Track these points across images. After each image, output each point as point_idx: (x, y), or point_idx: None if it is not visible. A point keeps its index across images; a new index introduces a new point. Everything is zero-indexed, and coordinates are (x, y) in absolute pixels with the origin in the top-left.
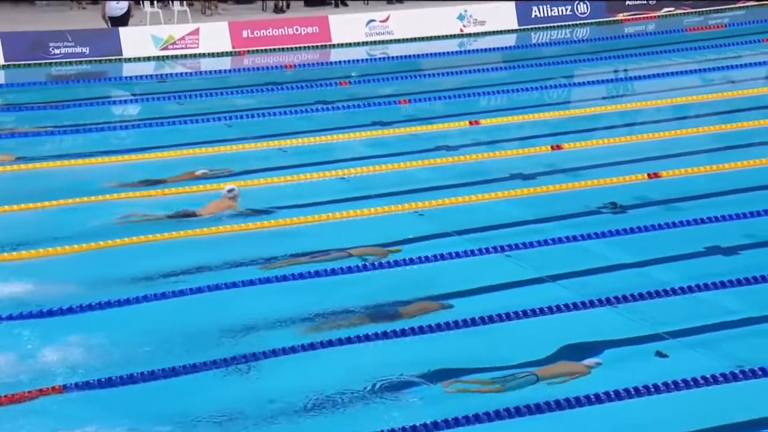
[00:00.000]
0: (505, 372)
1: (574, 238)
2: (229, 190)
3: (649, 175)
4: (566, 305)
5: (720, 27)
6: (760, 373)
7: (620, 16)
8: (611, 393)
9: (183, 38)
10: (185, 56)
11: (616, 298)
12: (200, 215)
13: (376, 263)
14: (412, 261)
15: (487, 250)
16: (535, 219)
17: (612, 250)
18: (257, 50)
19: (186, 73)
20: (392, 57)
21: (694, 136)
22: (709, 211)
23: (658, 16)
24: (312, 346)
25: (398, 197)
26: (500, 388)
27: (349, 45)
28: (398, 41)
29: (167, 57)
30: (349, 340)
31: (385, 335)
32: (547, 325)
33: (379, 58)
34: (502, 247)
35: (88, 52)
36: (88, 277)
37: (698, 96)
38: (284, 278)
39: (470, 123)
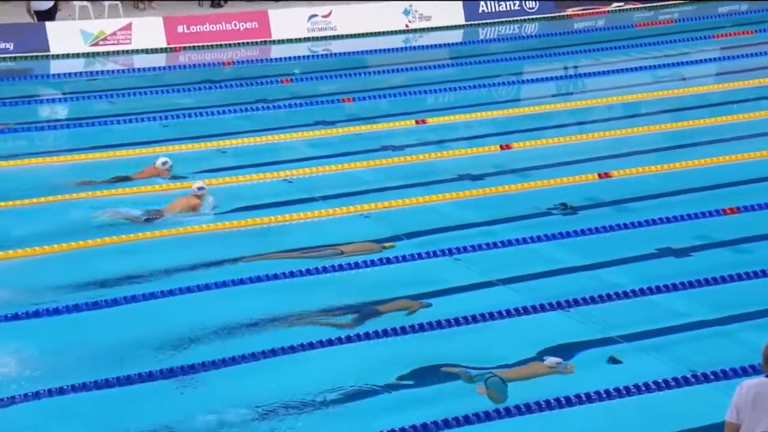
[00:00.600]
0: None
1: (524, 241)
2: (200, 188)
3: (599, 175)
4: (516, 309)
5: (670, 22)
6: (713, 377)
7: (569, 12)
8: (562, 399)
9: (114, 34)
10: (117, 53)
11: (567, 301)
12: (165, 213)
13: (320, 267)
14: (357, 265)
15: (434, 253)
16: (483, 221)
17: (563, 253)
18: (193, 46)
19: (118, 70)
20: (335, 54)
21: (645, 135)
22: (661, 211)
23: (608, 12)
24: (253, 356)
25: (343, 199)
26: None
27: (290, 41)
28: (341, 37)
29: (98, 53)
30: (292, 349)
31: (330, 342)
32: (497, 330)
33: (322, 55)
34: (450, 250)
35: (12, 48)
36: (20, 285)
37: (649, 93)
38: (233, 283)
39: (417, 122)
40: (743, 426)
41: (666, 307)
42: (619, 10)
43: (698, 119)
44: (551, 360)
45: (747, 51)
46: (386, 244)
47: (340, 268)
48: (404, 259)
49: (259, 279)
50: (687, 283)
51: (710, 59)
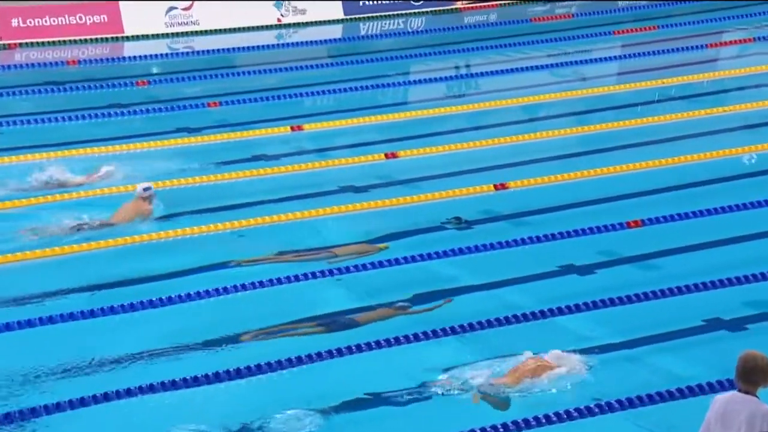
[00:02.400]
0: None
1: (413, 259)
2: (145, 189)
3: (495, 186)
4: (406, 336)
5: (567, 17)
6: (617, 406)
7: (459, 4)
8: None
9: None
10: None
11: (461, 326)
12: (112, 224)
13: (192, 293)
14: (226, 290)
15: (313, 274)
16: (368, 238)
17: (456, 271)
18: (32, 43)
19: None
20: (198, 51)
21: (545, 141)
22: (562, 225)
23: (500, 5)
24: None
25: (211, 215)
26: None
27: (146, 37)
28: (205, 33)
29: None
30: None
31: (217, 377)
32: (385, 359)
33: (183, 53)
34: (331, 271)
35: None
36: None
37: (548, 95)
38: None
39: (292, 128)
40: None
41: (568, 329)
42: (512, 2)
43: (601, 123)
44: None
45: (650, 48)
46: (381, 245)
47: (197, 296)
48: (278, 282)
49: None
50: (591, 303)
51: (612, 57)
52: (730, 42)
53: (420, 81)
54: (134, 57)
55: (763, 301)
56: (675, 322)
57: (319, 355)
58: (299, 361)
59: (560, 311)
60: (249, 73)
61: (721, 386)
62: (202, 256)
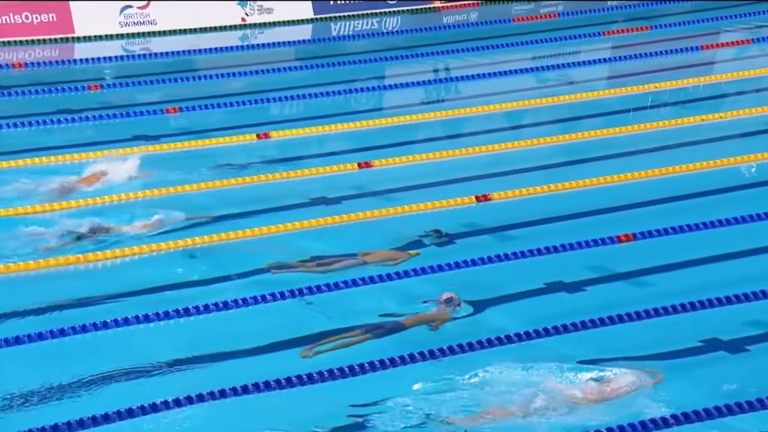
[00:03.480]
0: None
1: (389, 277)
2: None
3: (477, 197)
4: (382, 361)
5: (553, 16)
6: None
7: (437, 3)
8: None
9: None
10: None
11: (441, 350)
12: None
13: (150, 314)
14: (188, 312)
15: (282, 294)
16: (340, 254)
17: (435, 289)
18: None
19: None
20: (156, 53)
21: (529, 150)
22: (549, 239)
23: (481, 3)
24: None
25: (166, 234)
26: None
27: (99, 38)
28: (163, 33)
29: None
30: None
31: (178, 403)
32: (360, 385)
33: (139, 55)
34: (300, 291)
35: None
36: None
37: (533, 100)
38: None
39: (258, 136)
40: None
41: (556, 351)
42: (494, 2)
43: (589, 130)
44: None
45: (642, 50)
46: (412, 252)
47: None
48: (244, 303)
49: None
50: (579, 323)
51: (601, 60)
52: (728, 43)
53: (395, 85)
54: (86, 59)
55: (766, 321)
56: (670, 342)
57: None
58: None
59: (546, 332)
60: (211, 76)
61: (719, 412)
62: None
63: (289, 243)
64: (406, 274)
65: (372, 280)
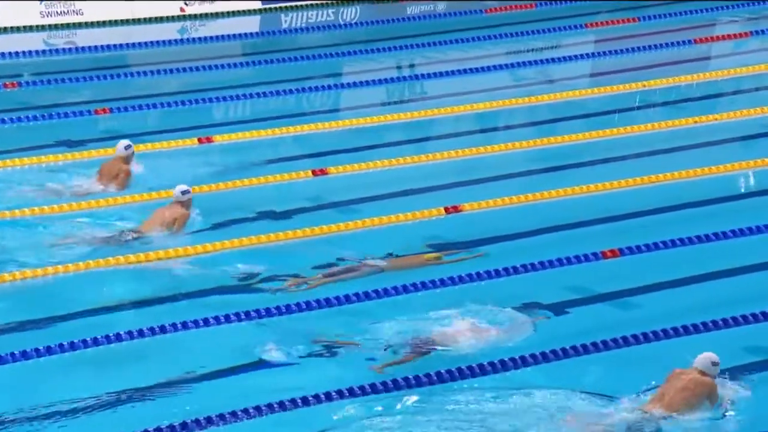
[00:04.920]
0: None
1: (348, 299)
2: (183, 192)
3: (446, 209)
4: (339, 392)
5: (529, 7)
6: None
7: None
8: None
9: None
10: None
11: (405, 379)
12: (142, 233)
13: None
14: (131, 335)
15: (227, 317)
16: (290, 272)
17: (395, 314)
18: None
19: None
20: (82, 48)
21: (504, 156)
22: (526, 256)
23: None
24: None
25: (103, 250)
26: None
27: (17, 30)
28: (90, 25)
29: None
30: None
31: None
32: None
33: (63, 49)
34: (248, 313)
35: None
36: None
37: (508, 101)
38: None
39: (200, 140)
40: None
41: (535, 382)
42: None
43: (570, 134)
44: None
45: (629, 44)
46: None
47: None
48: (185, 326)
49: None
50: (560, 351)
51: (583, 55)
52: (724, 36)
53: (354, 84)
54: (2, 54)
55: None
56: (661, 370)
57: None
58: None
59: (524, 361)
60: (146, 73)
61: None
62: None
63: (230, 261)
64: (367, 296)
65: (328, 302)
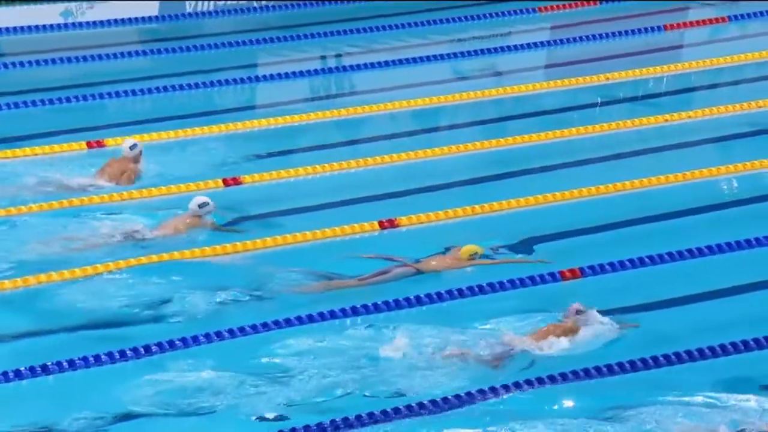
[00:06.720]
0: None
1: (278, 324)
2: (201, 205)
3: (380, 223)
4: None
5: None
6: None
7: None
8: None
9: None
10: None
11: (346, 420)
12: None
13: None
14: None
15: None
16: (210, 292)
17: (330, 342)
18: None
19: None
20: None
21: (446, 160)
22: (473, 277)
23: None
24: None
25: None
26: None
27: None
28: None
29: None
30: None
31: None
32: None
33: None
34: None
35: None
36: None
37: (449, 96)
38: None
39: (89, 145)
40: None
41: (479, 420)
42: None
43: (522, 134)
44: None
45: (589, 31)
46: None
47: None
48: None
49: None
50: (513, 384)
51: (536, 44)
52: (698, 22)
53: (270, 76)
54: None
55: (760, 376)
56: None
57: None
58: None
59: (470, 397)
60: (23, 64)
61: None
62: None
63: (109, 290)
64: (288, 322)
65: (254, 328)
